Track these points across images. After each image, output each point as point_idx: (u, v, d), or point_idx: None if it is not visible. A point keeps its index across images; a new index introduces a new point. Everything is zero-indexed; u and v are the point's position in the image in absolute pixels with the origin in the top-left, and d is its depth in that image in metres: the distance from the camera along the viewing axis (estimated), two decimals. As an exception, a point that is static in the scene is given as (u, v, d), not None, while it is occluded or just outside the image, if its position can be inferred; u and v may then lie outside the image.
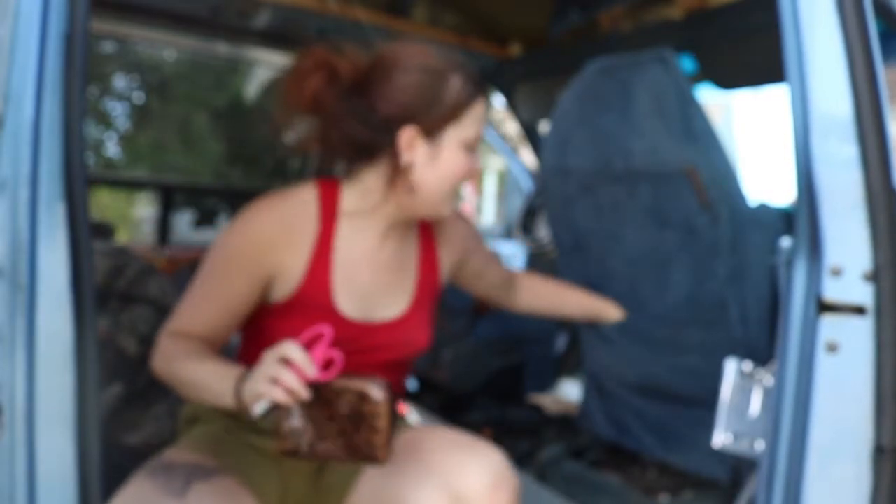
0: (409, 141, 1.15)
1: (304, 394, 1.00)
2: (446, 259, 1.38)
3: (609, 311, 1.71)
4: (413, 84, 1.14)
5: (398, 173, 1.17)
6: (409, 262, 1.30)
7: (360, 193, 1.21)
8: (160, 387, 1.73)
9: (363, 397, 1.04)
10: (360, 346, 1.22)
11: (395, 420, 1.08)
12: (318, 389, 1.04)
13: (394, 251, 1.27)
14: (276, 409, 1.04)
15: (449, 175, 1.18)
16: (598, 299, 1.69)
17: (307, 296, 1.19)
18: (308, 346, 1.05)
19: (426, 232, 1.35)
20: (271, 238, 1.16)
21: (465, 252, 1.43)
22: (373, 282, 1.25)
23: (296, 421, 1.05)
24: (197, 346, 1.14)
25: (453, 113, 1.16)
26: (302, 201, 1.20)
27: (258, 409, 1.02)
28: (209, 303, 1.17)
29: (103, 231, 2.07)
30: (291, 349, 1.01)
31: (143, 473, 1.11)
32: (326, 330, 1.07)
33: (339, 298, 1.21)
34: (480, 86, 1.19)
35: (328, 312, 1.20)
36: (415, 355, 1.32)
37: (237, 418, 1.24)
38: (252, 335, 1.25)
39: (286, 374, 0.99)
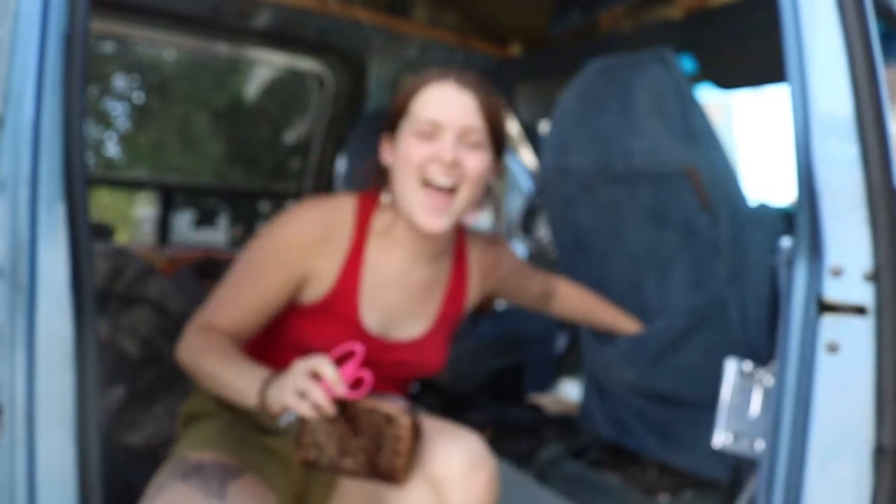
0: (385, 148, 1.21)
1: (331, 411, 1.00)
2: (475, 289, 1.39)
3: (629, 325, 1.76)
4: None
5: (384, 179, 1.22)
6: (437, 288, 1.31)
7: (388, 214, 1.23)
8: (160, 387, 1.73)
9: (389, 420, 1.04)
10: (373, 359, 1.22)
11: (417, 444, 1.08)
12: (344, 406, 1.04)
13: (423, 276, 1.27)
14: (300, 420, 1.04)
15: (403, 163, 1.17)
16: (620, 313, 1.75)
17: (334, 304, 1.21)
18: (339, 362, 1.05)
19: (460, 260, 1.35)
20: (309, 241, 1.18)
21: (499, 280, 1.45)
22: (399, 302, 1.26)
23: (319, 434, 1.05)
24: (225, 342, 1.14)
25: (402, 107, 1.19)
26: (341, 211, 1.23)
27: (284, 420, 1.03)
28: (242, 299, 1.17)
29: (103, 232, 2.06)
30: (323, 365, 1.01)
31: (173, 476, 1.11)
32: (358, 348, 1.07)
33: (364, 312, 1.22)
34: (439, 74, 1.19)
35: (352, 323, 1.22)
36: (425, 375, 1.33)
37: (240, 415, 1.24)
38: (271, 329, 1.25)
39: (315, 389, 0.99)
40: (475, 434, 1.18)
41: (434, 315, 1.31)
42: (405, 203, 1.17)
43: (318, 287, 1.20)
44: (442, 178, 1.14)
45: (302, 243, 1.18)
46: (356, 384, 1.06)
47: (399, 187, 1.17)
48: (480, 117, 1.16)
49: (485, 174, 1.18)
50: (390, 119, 1.21)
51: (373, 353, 1.22)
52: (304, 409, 0.99)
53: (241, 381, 1.08)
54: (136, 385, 1.75)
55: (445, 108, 1.15)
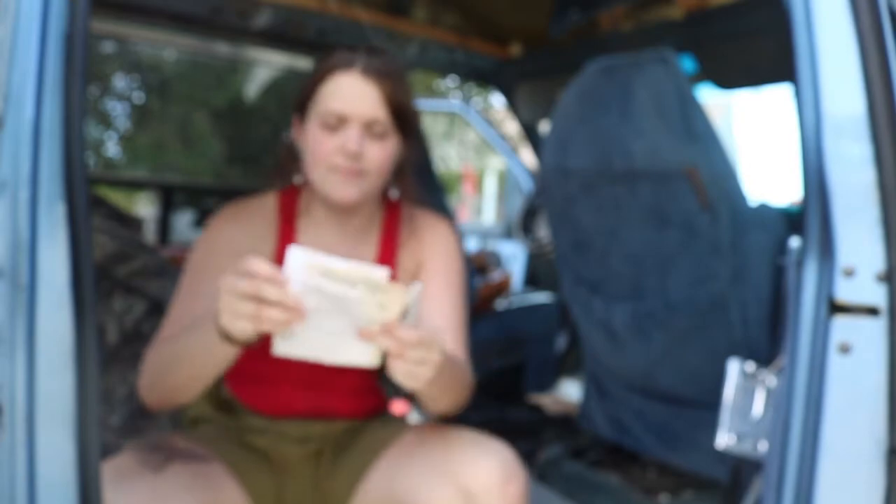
0: (296, 128, 1.23)
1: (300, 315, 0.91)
2: (408, 266, 1.30)
3: None
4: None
5: (296, 159, 1.23)
6: (365, 259, 1.27)
7: (306, 195, 1.26)
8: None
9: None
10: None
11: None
12: None
13: (351, 247, 1.26)
14: None
15: (312, 153, 1.17)
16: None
17: None
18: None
19: (389, 237, 1.31)
20: (233, 245, 1.18)
21: (420, 262, 1.32)
22: None
23: None
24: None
25: (311, 90, 1.19)
26: (261, 205, 1.25)
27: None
28: (190, 311, 1.12)
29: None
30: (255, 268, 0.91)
31: (130, 448, 1.12)
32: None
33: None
34: (346, 60, 1.16)
35: None
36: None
37: (234, 418, 1.25)
38: None
39: (268, 309, 0.90)
40: (505, 444, 1.17)
41: None
42: (317, 184, 1.19)
43: None
44: (347, 165, 1.16)
45: (227, 250, 1.17)
46: None
47: (310, 172, 1.19)
48: (385, 108, 1.16)
49: (389, 160, 1.20)
50: (300, 100, 1.21)
51: None
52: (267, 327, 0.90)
53: (200, 343, 1.00)
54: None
55: (351, 100, 1.15)
